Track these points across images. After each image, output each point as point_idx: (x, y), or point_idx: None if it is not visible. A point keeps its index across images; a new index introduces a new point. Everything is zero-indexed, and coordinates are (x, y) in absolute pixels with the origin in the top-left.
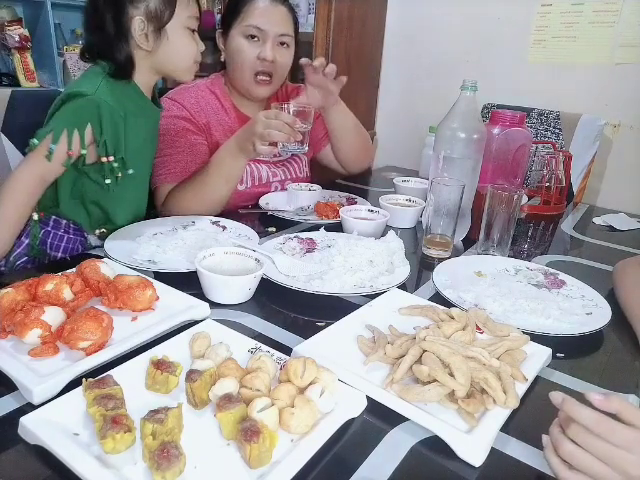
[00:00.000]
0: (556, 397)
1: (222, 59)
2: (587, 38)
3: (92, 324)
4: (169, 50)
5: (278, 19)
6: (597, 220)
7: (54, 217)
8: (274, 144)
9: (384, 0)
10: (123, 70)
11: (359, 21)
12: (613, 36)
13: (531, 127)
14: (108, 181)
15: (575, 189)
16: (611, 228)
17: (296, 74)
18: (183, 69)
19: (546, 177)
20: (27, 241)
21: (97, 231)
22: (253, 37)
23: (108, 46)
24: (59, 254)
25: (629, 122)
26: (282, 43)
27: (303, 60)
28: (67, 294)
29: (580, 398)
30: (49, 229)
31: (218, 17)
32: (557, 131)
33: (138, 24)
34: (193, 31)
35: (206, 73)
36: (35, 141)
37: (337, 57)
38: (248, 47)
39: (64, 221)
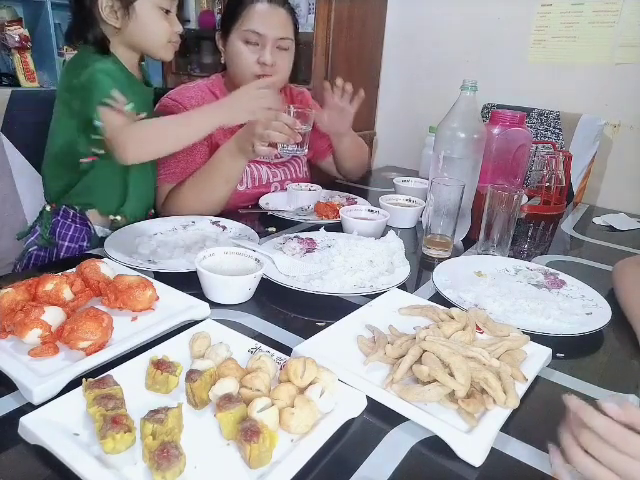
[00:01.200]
0: (572, 402)
1: (222, 61)
2: (587, 38)
3: (92, 324)
4: (139, 27)
5: (277, 23)
6: (597, 220)
7: (64, 207)
8: (274, 145)
9: (384, 0)
10: (99, 45)
11: (359, 21)
12: (613, 36)
13: (531, 127)
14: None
15: (575, 189)
16: (611, 228)
17: (298, 75)
18: (156, 47)
19: (546, 177)
20: (40, 230)
21: (111, 217)
22: (252, 41)
23: (80, 24)
24: (66, 242)
25: (629, 122)
26: (282, 46)
27: (326, 85)
28: (67, 294)
29: (581, 398)
30: (58, 218)
31: (218, 17)
32: (557, 131)
33: (104, 1)
34: (167, 11)
35: (206, 73)
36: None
37: (337, 57)
38: (247, 52)
39: (72, 211)
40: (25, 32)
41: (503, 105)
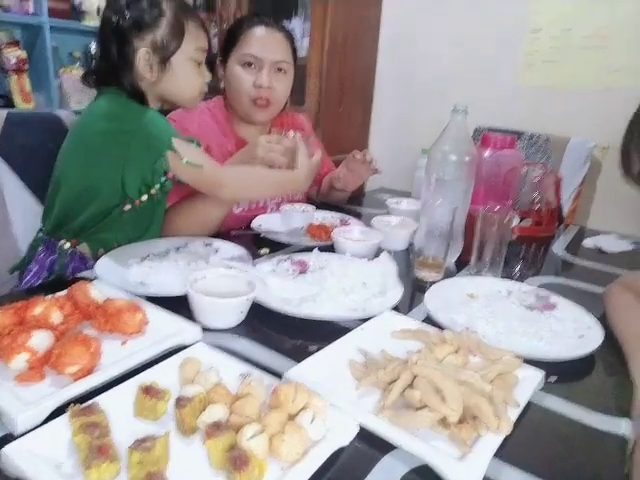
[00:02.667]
0: None
1: (222, 85)
2: (577, 63)
3: (80, 348)
4: (173, 81)
5: (275, 47)
6: (588, 242)
7: (59, 242)
8: (286, 162)
9: (377, 25)
10: (134, 96)
11: (352, 45)
12: (602, 61)
13: (521, 149)
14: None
15: (566, 211)
16: (602, 250)
17: (298, 98)
18: (187, 99)
19: (537, 199)
20: (35, 269)
21: (101, 250)
22: (250, 64)
23: (114, 74)
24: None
25: (618, 144)
26: (279, 69)
27: (358, 155)
28: (56, 317)
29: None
30: (56, 256)
31: (214, 41)
32: (547, 153)
33: (143, 55)
34: (200, 63)
35: (208, 95)
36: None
37: (331, 80)
38: (245, 74)
39: (69, 248)
40: (23, 54)
41: (494, 128)
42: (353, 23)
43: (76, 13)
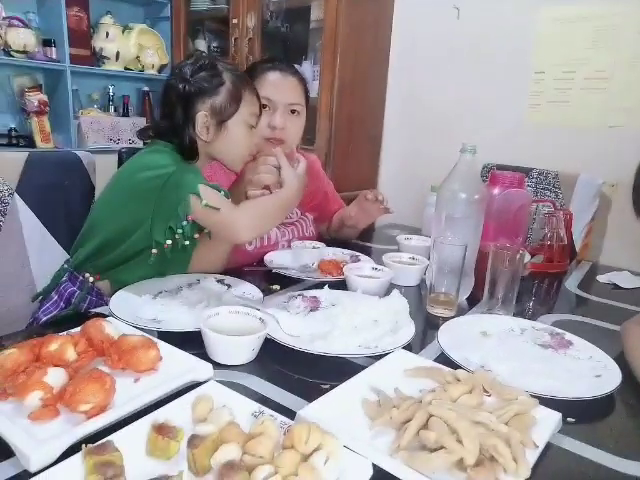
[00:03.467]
0: None
1: None
2: (580, 103)
3: (94, 386)
4: (226, 142)
5: (288, 90)
6: (601, 278)
7: (81, 277)
8: (267, 188)
9: (385, 67)
10: (189, 153)
11: (361, 86)
12: (605, 101)
13: (531, 186)
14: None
15: (577, 247)
16: (616, 286)
17: (308, 138)
18: (237, 160)
19: (548, 235)
20: (55, 298)
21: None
22: (264, 106)
23: (174, 132)
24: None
25: (626, 182)
26: (293, 111)
27: (369, 195)
28: (71, 354)
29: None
30: (74, 288)
31: None
32: (556, 190)
33: (202, 117)
34: (252, 127)
35: None
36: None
37: (340, 120)
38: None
39: (91, 283)
40: (44, 97)
41: (502, 165)
42: (362, 65)
43: (97, 59)
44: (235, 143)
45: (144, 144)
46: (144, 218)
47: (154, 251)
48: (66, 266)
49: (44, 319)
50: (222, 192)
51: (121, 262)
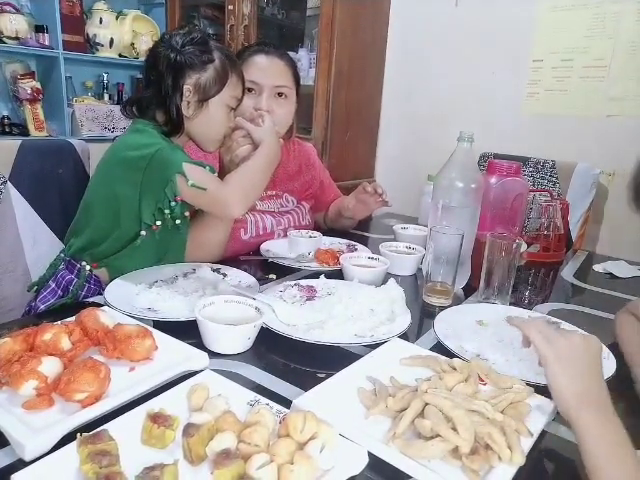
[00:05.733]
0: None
1: None
2: (578, 91)
3: (89, 375)
4: (204, 122)
5: (274, 72)
6: (597, 267)
7: (78, 265)
8: (252, 146)
9: (382, 54)
10: (174, 126)
11: (358, 74)
12: (603, 90)
13: (528, 176)
14: (179, 221)
15: (574, 236)
16: (612, 276)
17: (305, 127)
18: (211, 141)
19: (544, 224)
20: (52, 286)
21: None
22: (250, 90)
23: (159, 103)
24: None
25: (623, 171)
26: (280, 94)
27: (368, 188)
28: (65, 344)
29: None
30: (72, 276)
31: None
32: (554, 179)
33: (185, 92)
34: (231, 110)
35: None
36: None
37: (337, 108)
38: (245, 99)
39: (88, 271)
40: (37, 85)
41: (499, 154)
42: (359, 53)
43: (90, 45)
44: (212, 123)
45: (132, 123)
46: (133, 201)
47: (143, 233)
48: (62, 255)
49: (42, 307)
50: (207, 167)
51: (117, 250)
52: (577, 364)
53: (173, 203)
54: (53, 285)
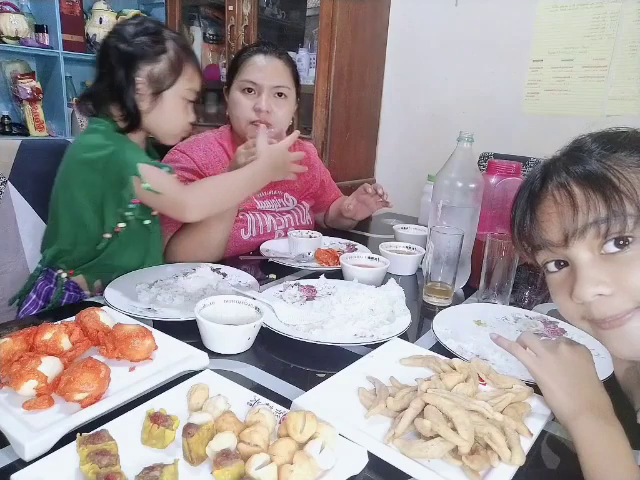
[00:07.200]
0: (503, 343)
1: (227, 113)
2: (578, 91)
3: (89, 375)
4: (160, 115)
5: (273, 73)
6: None
7: (55, 273)
8: None
9: (383, 54)
10: (132, 121)
11: (358, 74)
12: (603, 90)
13: None
14: (148, 221)
15: None
16: None
17: (305, 127)
18: (168, 135)
19: None
20: (33, 297)
21: (98, 282)
22: (250, 90)
23: (116, 96)
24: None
25: None
26: (279, 94)
27: (369, 189)
28: (65, 343)
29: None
30: (51, 286)
31: (223, 71)
32: None
33: (138, 84)
34: (190, 102)
35: (210, 122)
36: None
37: (337, 108)
38: (244, 99)
39: (65, 279)
40: (37, 85)
41: (499, 154)
42: (359, 53)
43: (90, 45)
44: (169, 116)
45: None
46: (94, 204)
47: (107, 236)
48: (40, 265)
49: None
50: (165, 168)
51: (89, 255)
52: (570, 377)
53: (131, 205)
54: (34, 296)
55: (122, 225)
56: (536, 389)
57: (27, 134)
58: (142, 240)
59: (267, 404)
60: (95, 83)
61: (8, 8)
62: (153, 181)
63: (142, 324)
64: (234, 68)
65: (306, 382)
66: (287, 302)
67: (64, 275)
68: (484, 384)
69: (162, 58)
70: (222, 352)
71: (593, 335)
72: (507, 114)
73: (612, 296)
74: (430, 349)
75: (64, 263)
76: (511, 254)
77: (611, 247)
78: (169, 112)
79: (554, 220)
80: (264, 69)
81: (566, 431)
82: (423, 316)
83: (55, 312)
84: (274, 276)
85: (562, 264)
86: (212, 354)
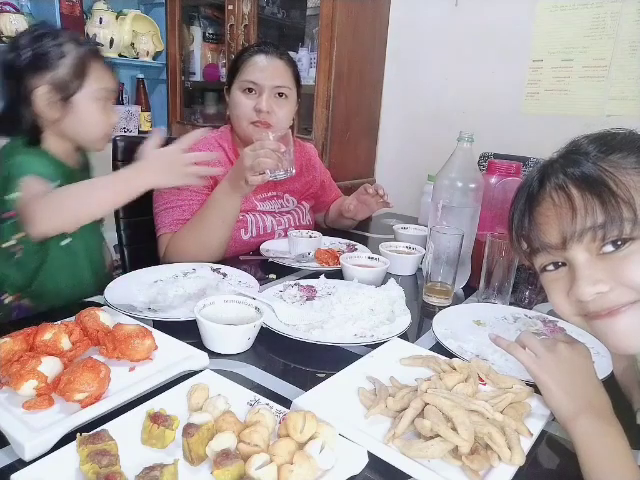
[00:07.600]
0: (501, 343)
1: (227, 113)
2: (578, 91)
3: (89, 375)
4: (76, 120)
5: (274, 73)
6: None
7: None
8: (264, 173)
9: (383, 54)
10: (30, 137)
11: (358, 74)
12: (603, 90)
13: None
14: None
15: None
16: None
17: (305, 127)
18: (91, 140)
19: None
20: None
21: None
22: (250, 90)
23: (12, 114)
24: None
25: None
26: (280, 94)
27: (370, 189)
28: (65, 343)
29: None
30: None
31: (222, 70)
32: None
33: (42, 93)
34: (105, 103)
35: (209, 123)
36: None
37: (337, 108)
38: (245, 100)
39: (12, 303)
40: None
41: (499, 155)
42: (359, 53)
43: None
44: (85, 121)
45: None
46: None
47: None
48: (9, 300)
49: None
50: (53, 184)
51: (29, 282)
52: (569, 376)
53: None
54: None
55: (19, 236)
56: (536, 389)
57: None
58: (68, 264)
59: (267, 404)
60: (4, 102)
61: (8, 8)
62: (25, 192)
63: (142, 324)
64: (235, 68)
65: (306, 382)
66: (287, 302)
67: (7, 300)
68: (484, 384)
69: (62, 63)
70: (222, 352)
71: (587, 330)
72: (507, 114)
73: (610, 291)
74: (430, 349)
75: (9, 288)
76: (511, 254)
77: (608, 248)
78: (85, 115)
79: (552, 222)
80: (265, 69)
81: (565, 431)
82: (423, 316)
83: (55, 312)
84: (274, 276)
85: (560, 264)
86: (212, 354)
